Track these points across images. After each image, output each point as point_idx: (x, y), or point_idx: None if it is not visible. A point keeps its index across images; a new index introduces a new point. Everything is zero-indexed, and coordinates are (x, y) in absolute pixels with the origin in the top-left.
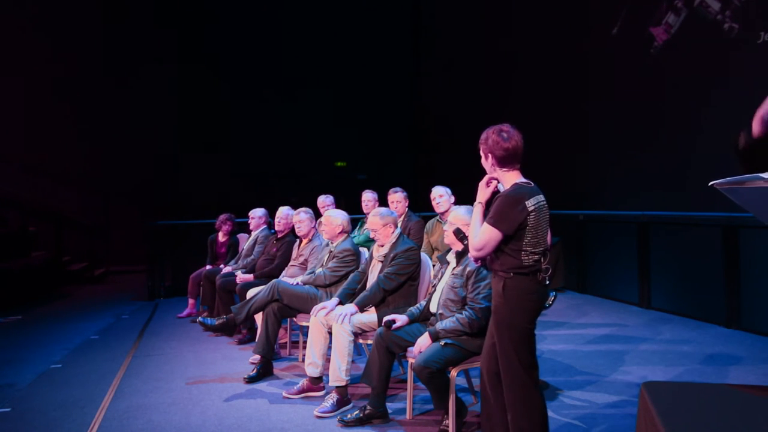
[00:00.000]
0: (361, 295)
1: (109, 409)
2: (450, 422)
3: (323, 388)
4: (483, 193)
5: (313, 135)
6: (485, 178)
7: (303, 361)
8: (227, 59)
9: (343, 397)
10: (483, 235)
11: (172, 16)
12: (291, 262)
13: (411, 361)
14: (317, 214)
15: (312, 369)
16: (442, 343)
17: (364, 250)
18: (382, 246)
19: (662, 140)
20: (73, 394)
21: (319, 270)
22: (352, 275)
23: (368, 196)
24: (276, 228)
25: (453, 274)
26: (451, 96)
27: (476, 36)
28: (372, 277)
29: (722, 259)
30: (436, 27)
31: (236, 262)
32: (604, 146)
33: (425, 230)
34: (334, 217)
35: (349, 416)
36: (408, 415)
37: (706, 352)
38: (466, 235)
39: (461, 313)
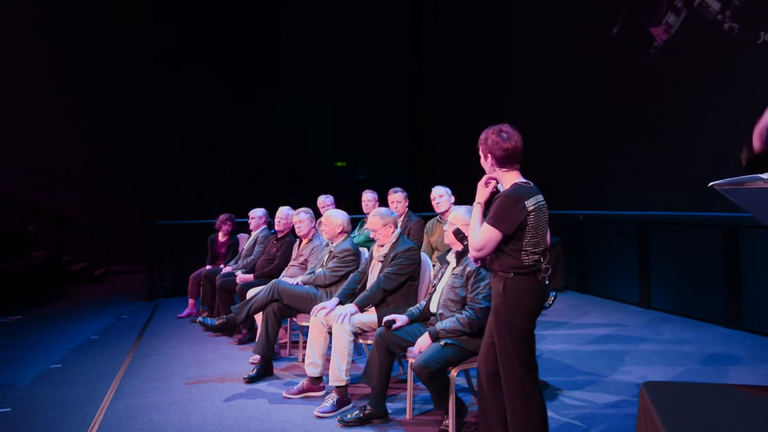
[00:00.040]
0: (361, 295)
1: (109, 409)
2: (450, 422)
3: (323, 388)
4: (482, 193)
5: (313, 135)
6: (484, 178)
7: (303, 361)
8: (227, 59)
9: (343, 397)
10: (483, 235)
11: (172, 16)
12: (291, 262)
13: (411, 361)
14: (317, 214)
15: (312, 369)
16: (442, 343)
17: (364, 250)
18: (382, 246)
19: (662, 140)
20: (73, 394)
21: (319, 270)
22: (352, 275)
23: (368, 196)
24: (276, 228)
25: (453, 274)
26: (451, 96)
27: (476, 36)
28: (372, 277)
29: (722, 259)
30: (436, 27)
31: (236, 262)
32: (604, 146)
33: (425, 230)
34: (334, 217)
35: (349, 416)
36: (408, 415)
37: (706, 352)
38: (466, 235)
39: (461, 313)
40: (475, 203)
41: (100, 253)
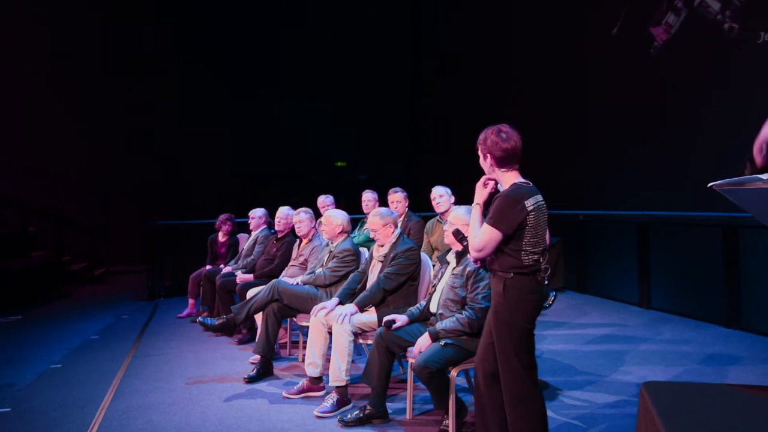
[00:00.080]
0: (361, 295)
1: (109, 409)
2: (450, 422)
3: (323, 388)
4: (480, 193)
5: (313, 135)
6: (482, 179)
7: (303, 361)
8: (227, 59)
9: (343, 397)
10: (483, 235)
11: (172, 16)
12: (291, 262)
13: (411, 361)
14: (317, 214)
15: (312, 369)
16: (442, 343)
17: (364, 250)
18: (382, 246)
19: (662, 140)
20: (73, 394)
21: (319, 270)
22: (352, 275)
23: (368, 196)
24: (276, 228)
25: (453, 274)
26: (451, 96)
27: (476, 36)
28: (372, 277)
29: (722, 259)
30: (436, 27)
31: (236, 262)
32: (604, 146)
33: (425, 230)
34: (334, 217)
35: (349, 416)
36: (408, 415)
37: (706, 352)
38: (465, 236)
39: (461, 313)
40: (474, 204)
41: (100, 253)
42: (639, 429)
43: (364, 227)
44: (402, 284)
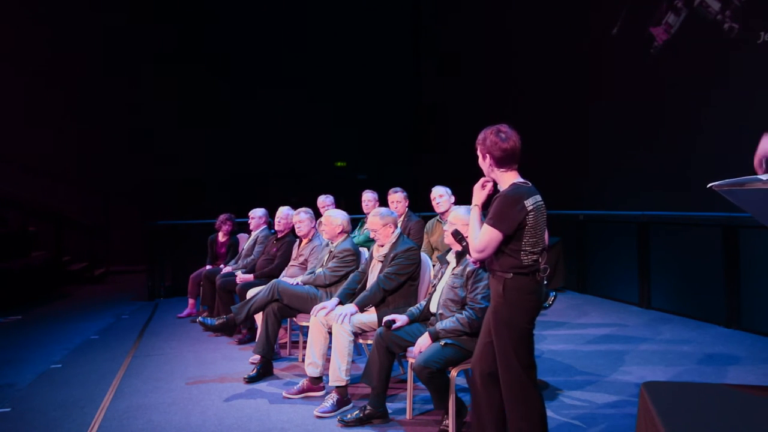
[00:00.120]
0: (361, 295)
1: (109, 409)
2: (450, 422)
3: (323, 388)
4: (479, 195)
5: (313, 135)
6: (480, 181)
7: (303, 361)
8: (227, 59)
9: (343, 397)
10: (483, 236)
11: (172, 16)
12: (291, 262)
13: (411, 361)
14: (317, 214)
15: (312, 369)
16: (442, 343)
17: (364, 250)
18: (382, 246)
19: (662, 140)
20: (73, 394)
21: (319, 270)
22: (352, 275)
23: (368, 196)
24: (276, 228)
25: (453, 274)
26: (451, 96)
27: (476, 36)
28: (372, 277)
29: (722, 259)
30: (436, 27)
31: (236, 262)
32: (604, 146)
33: (425, 230)
34: (334, 217)
35: (349, 416)
36: (408, 415)
37: (706, 352)
38: (464, 236)
39: (461, 313)
40: (472, 205)
41: (100, 253)
42: (639, 429)
43: (364, 227)
44: (402, 284)
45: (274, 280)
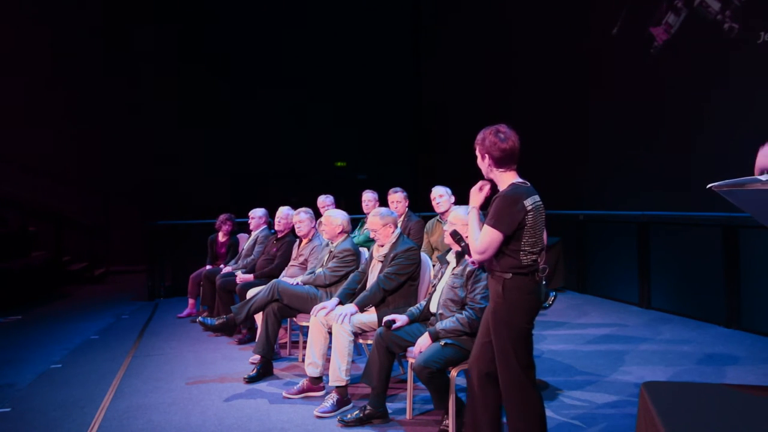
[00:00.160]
0: (361, 295)
1: (109, 409)
2: (450, 422)
3: (323, 388)
4: (476, 198)
5: (313, 135)
6: (478, 184)
7: (303, 361)
8: (227, 59)
9: (343, 397)
10: (484, 238)
11: (172, 16)
12: (291, 262)
13: (411, 361)
14: (317, 214)
15: (312, 369)
16: (442, 343)
17: (364, 250)
18: (382, 246)
19: (662, 140)
20: (73, 394)
21: (319, 270)
22: (352, 275)
23: (368, 196)
24: (276, 228)
25: (453, 274)
26: (451, 96)
27: (476, 36)
28: (372, 277)
29: (722, 259)
30: (436, 27)
31: (236, 262)
32: (604, 146)
33: (425, 230)
34: (334, 217)
35: (349, 416)
36: (408, 415)
37: (706, 352)
38: (463, 236)
39: (461, 313)
40: (470, 208)
41: (100, 253)
42: (639, 429)
43: (364, 227)
44: (402, 284)
45: (274, 280)
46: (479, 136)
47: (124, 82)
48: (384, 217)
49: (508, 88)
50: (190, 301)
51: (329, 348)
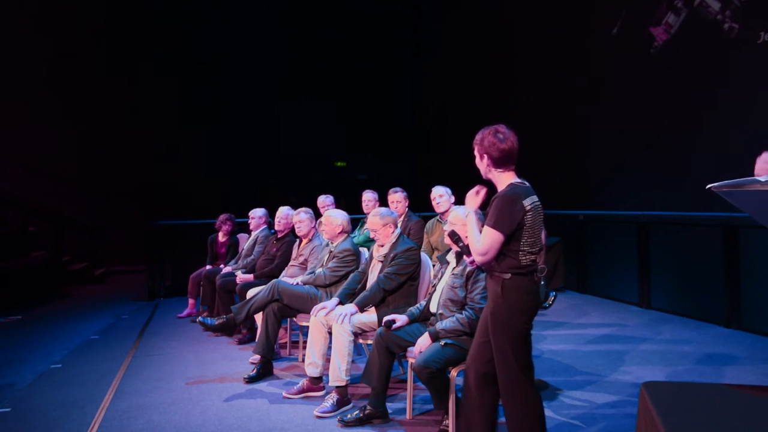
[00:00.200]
0: (361, 295)
1: (109, 409)
2: (450, 422)
3: (323, 388)
4: (473, 201)
5: (313, 135)
6: (474, 189)
7: (303, 361)
8: (227, 59)
9: (343, 397)
10: (485, 239)
11: (172, 16)
12: (291, 262)
13: (411, 361)
14: (317, 214)
15: (312, 369)
16: (442, 343)
17: (364, 250)
18: (382, 246)
19: (662, 140)
20: (73, 394)
21: (319, 270)
22: (352, 275)
23: (368, 196)
24: (276, 228)
25: (453, 274)
26: (451, 96)
27: (476, 36)
28: (372, 277)
29: (722, 259)
30: (436, 27)
31: (236, 262)
32: (604, 146)
33: (425, 230)
34: (334, 217)
35: (349, 416)
36: (408, 415)
37: (706, 352)
38: (461, 237)
39: (461, 313)
40: (468, 212)
41: (100, 253)
42: (639, 429)
43: (364, 227)
44: (402, 284)
45: (274, 280)
46: (478, 136)
47: (124, 82)
48: (384, 217)
49: (508, 88)
50: (190, 301)
51: (329, 348)
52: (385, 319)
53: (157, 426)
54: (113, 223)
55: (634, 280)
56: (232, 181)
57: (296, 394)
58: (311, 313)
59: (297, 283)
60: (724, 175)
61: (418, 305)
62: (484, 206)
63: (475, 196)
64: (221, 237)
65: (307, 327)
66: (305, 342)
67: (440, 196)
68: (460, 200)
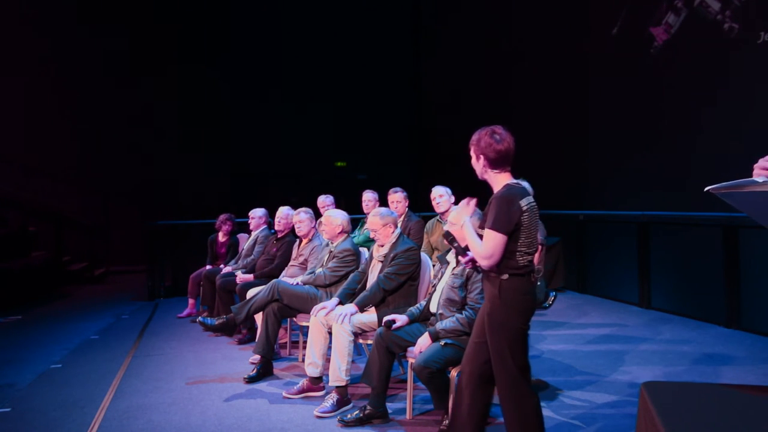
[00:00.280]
0: (361, 295)
1: (109, 409)
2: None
3: (323, 388)
4: (465, 211)
5: (313, 135)
6: (465, 200)
7: (303, 361)
8: (227, 59)
9: (343, 397)
10: (488, 242)
11: (172, 16)
12: (291, 262)
13: (411, 361)
14: (317, 214)
15: (312, 369)
16: (442, 343)
17: (364, 250)
18: (382, 246)
19: (662, 140)
20: (73, 394)
21: (319, 270)
22: (352, 275)
23: (368, 196)
24: (276, 228)
25: (453, 274)
26: (451, 96)
27: (476, 36)
28: (372, 277)
29: (722, 259)
30: (436, 27)
31: (236, 262)
32: (604, 146)
33: (425, 230)
34: (334, 217)
35: (349, 416)
36: (408, 415)
37: (706, 352)
38: (455, 237)
39: (461, 313)
40: (462, 221)
41: (100, 253)
42: (639, 429)
43: (364, 227)
44: (402, 284)
45: (274, 280)
46: (474, 137)
47: (124, 82)
48: (384, 217)
49: (508, 88)
50: (190, 301)
51: (329, 348)
52: (385, 319)
53: (157, 426)
54: (113, 223)
55: (634, 280)
56: (232, 181)
57: (296, 394)
58: (311, 313)
59: (297, 283)
60: (725, 175)
61: (418, 305)
62: (481, 207)
63: (466, 207)
64: (221, 237)
65: (307, 327)
66: (305, 342)
67: (440, 196)
68: (460, 200)
